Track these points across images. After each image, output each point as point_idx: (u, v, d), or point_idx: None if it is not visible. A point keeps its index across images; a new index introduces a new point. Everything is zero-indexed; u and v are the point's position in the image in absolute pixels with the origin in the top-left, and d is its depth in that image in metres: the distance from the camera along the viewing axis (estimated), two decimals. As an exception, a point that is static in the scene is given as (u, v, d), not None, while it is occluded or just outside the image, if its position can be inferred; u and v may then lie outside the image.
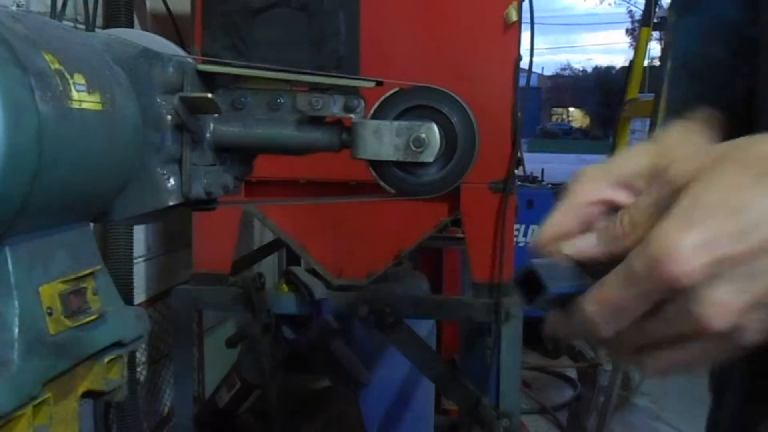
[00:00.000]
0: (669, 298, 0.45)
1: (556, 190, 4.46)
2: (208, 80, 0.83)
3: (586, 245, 0.50)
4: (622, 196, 0.53)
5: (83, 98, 0.61)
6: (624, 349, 0.50)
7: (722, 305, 0.43)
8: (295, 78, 0.87)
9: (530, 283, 0.49)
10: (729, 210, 0.44)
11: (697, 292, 0.43)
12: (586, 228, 0.52)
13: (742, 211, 0.44)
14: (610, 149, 5.94)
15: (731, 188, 0.44)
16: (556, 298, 0.50)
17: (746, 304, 0.44)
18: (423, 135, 0.87)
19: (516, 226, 4.26)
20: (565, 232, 0.52)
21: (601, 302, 0.47)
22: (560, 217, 0.53)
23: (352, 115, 0.87)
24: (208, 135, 0.84)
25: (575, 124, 40.42)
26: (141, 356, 2.27)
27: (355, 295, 1.77)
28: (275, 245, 2.57)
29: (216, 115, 0.84)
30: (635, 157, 0.55)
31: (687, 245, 0.43)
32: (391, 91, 0.91)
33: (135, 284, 2.10)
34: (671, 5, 0.57)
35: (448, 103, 0.89)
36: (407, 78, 0.94)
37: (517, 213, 1.81)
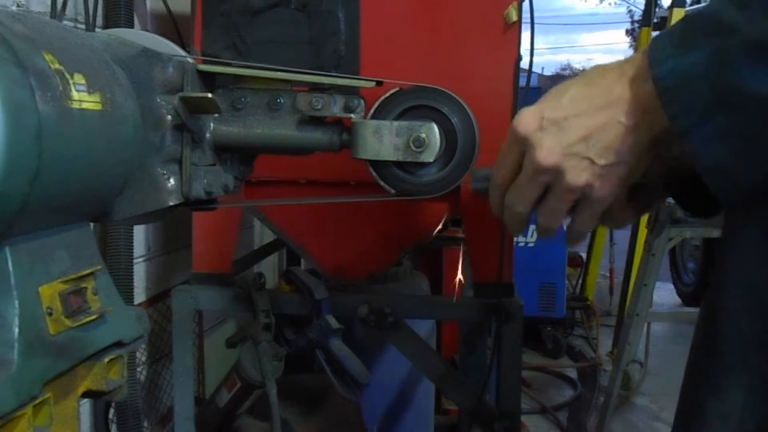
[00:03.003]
0: (525, 154, 0.71)
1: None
2: (209, 80, 0.83)
3: None
4: None
5: (83, 98, 0.61)
6: (513, 208, 0.75)
7: (545, 146, 0.69)
8: (295, 78, 0.87)
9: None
10: (557, 95, 0.71)
11: (532, 140, 0.70)
12: None
13: (562, 95, 0.70)
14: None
15: (567, 85, 0.72)
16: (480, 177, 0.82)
17: (562, 147, 0.68)
18: (423, 135, 0.87)
19: (516, 226, 4.26)
20: None
21: (496, 165, 0.76)
22: None
23: (352, 115, 0.87)
24: (208, 135, 0.84)
25: (575, 124, 40.18)
26: (141, 356, 2.27)
27: (355, 295, 1.77)
28: (275, 245, 2.57)
29: (216, 115, 0.84)
30: None
31: (526, 113, 0.71)
32: (391, 91, 0.91)
33: (135, 284, 2.10)
34: None
35: (448, 103, 0.89)
36: (407, 78, 0.94)
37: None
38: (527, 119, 0.70)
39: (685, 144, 0.62)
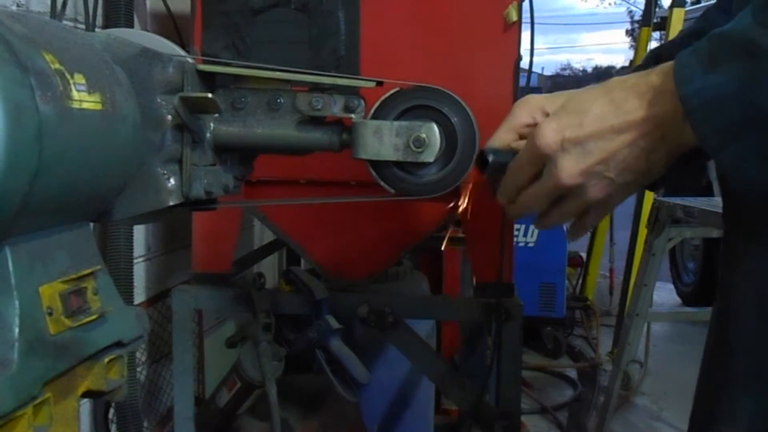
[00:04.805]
0: (545, 165, 0.72)
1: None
2: (208, 80, 0.83)
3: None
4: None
5: (83, 98, 0.61)
6: (525, 208, 0.77)
7: (568, 168, 0.70)
8: (295, 78, 0.87)
9: (483, 162, 0.82)
10: (578, 111, 0.70)
11: (554, 159, 0.71)
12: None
13: (584, 112, 0.70)
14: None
15: (585, 99, 0.71)
16: (497, 166, 0.79)
17: (583, 170, 0.70)
18: (423, 135, 0.87)
19: (516, 226, 4.26)
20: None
21: (512, 167, 0.76)
22: (501, 134, 0.81)
23: (352, 115, 0.87)
24: (208, 135, 0.83)
25: (575, 124, 40.24)
26: (141, 356, 2.27)
27: (355, 295, 1.77)
28: (275, 245, 2.57)
29: (216, 114, 0.84)
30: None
31: (548, 129, 0.71)
32: (391, 91, 0.91)
33: (135, 284, 2.10)
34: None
35: (448, 103, 0.89)
36: (407, 78, 0.94)
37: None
38: (548, 138, 0.71)
39: (717, 162, 0.63)
